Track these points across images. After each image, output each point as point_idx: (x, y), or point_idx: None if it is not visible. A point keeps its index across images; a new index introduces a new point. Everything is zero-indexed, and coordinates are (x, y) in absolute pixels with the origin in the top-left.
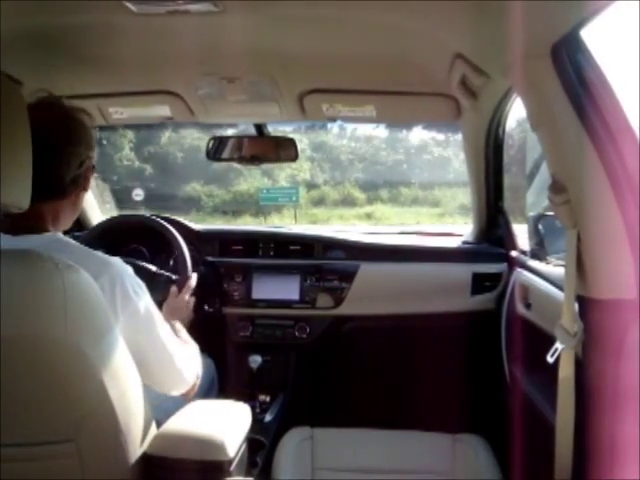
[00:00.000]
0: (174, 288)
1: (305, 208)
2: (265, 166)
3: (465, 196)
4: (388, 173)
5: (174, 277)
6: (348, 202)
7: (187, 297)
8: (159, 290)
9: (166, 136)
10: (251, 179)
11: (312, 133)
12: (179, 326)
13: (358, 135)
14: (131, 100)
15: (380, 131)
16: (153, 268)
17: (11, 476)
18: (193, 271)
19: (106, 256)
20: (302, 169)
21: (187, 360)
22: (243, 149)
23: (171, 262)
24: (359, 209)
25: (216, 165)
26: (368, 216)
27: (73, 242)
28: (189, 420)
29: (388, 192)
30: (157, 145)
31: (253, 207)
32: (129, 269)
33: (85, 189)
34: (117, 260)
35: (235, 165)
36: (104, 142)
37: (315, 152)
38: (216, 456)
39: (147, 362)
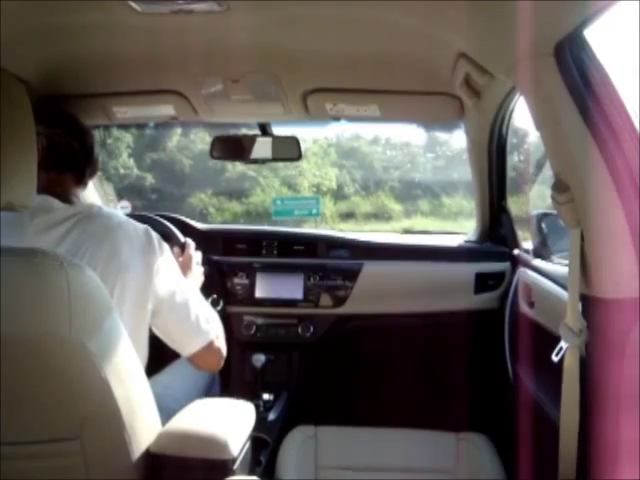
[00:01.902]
0: (176, 249)
1: (331, 222)
2: (284, 173)
3: (518, 206)
4: (428, 181)
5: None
6: (382, 215)
7: (192, 252)
8: None
9: (174, 141)
10: (269, 189)
11: (342, 138)
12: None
13: (394, 141)
14: (135, 99)
15: (419, 134)
16: None
17: (15, 474)
18: None
19: (132, 220)
20: (328, 177)
21: (205, 313)
22: (246, 148)
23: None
24: (395, 223)
25: (229, 173)
26: (405, 231)
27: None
28: (193, 418)
29: (429, 203)
30: (161, 151)
31: (267, 222)
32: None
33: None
34: (142, 224)
35: (251, 173)
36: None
37: (344, 158)
38: (220, 454)
39: (170, 311)
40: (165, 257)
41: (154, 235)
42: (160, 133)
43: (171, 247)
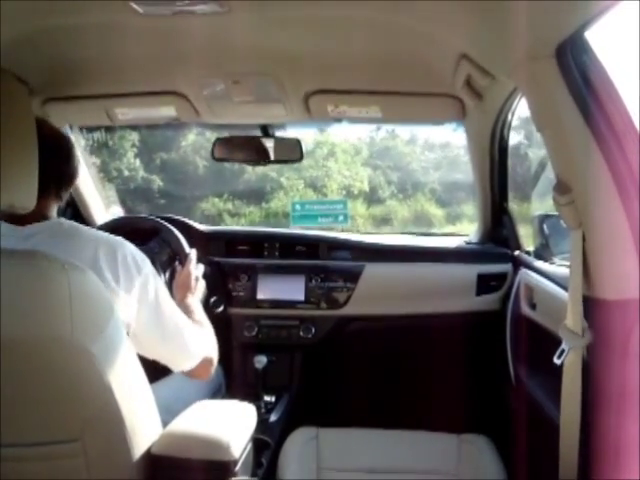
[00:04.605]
0: (179, 267)
1: (363, 229)
2: (309, 174)
3: None
4: (472, 183)
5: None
6: (422, 221)
7: (192, 269)
8: (164, 270)
9: (189, 140)
10: (292, 192)
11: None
12: (193, 306)
13: (433, 140)
14: (137, 101)
15: (460, 133)
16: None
17: (17, 475)
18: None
19: (111, 235)
20: (359, 178)
21: (195, 335)
22: (248, 149)
23: (176, 262)
24: (436, 230)
25: (249, 174)
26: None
27: (76, 224)
28: (195, 420)
29: (474, 207)
30: (174, 151)
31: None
32: (132, 245)
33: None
34: (120, 238)
35: (272, 174)
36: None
37: (379, 158)
38: (222, 456)
39: (154, 334)
40: (147, 273)
41: (134, 251)
42: (173, 131)
43: (174, 258)
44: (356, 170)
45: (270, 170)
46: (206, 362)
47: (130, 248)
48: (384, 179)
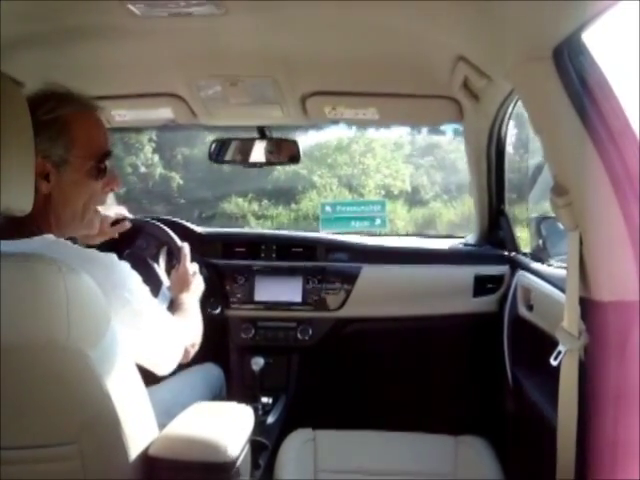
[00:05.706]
0: (176, 267)
1: (404, 233)
2: (344, 172)
3: None
4: (525, 183)
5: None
6: (470, 225)
7: (187, 264)
8: (157, 262)
9: (215, 133)
10: (326, 192)
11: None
12: (184, 299)
13: None
14: (133, 102)
15: (509, 129)
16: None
17: (14, 478)
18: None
19: (101, 254)
20: (400, 176)
21: (174, 339)
22: (245, 151)
23: (173, 262)
24: None
25: (278, 173)
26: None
27: (63, 241)
28: (192, 422)
29: (527, 210)
30: (199, 145)
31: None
32: (126, 266)
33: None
34: (112, 257)
35: (303, 172)
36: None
37: (421, 157)
38: (219, 458)
39: (138, 352)
40: (121, 292)
41: (107, 267)
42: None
43: (162, 247)
44: (396, 167)
45: (301, 168)
46: (187, 349)
47: (125, 271)
48: (427, 178)
